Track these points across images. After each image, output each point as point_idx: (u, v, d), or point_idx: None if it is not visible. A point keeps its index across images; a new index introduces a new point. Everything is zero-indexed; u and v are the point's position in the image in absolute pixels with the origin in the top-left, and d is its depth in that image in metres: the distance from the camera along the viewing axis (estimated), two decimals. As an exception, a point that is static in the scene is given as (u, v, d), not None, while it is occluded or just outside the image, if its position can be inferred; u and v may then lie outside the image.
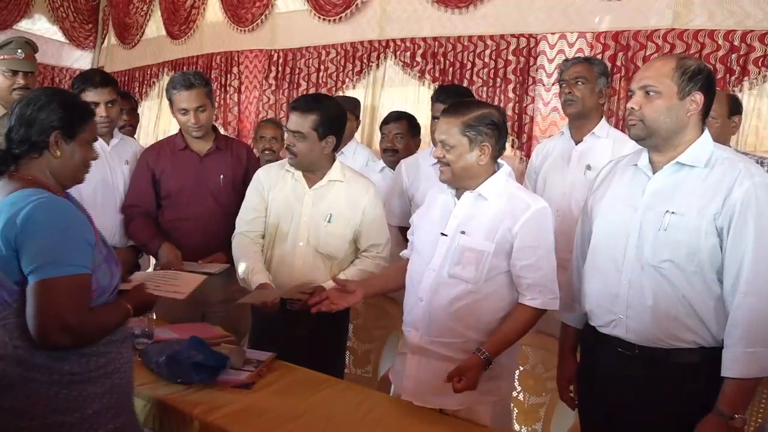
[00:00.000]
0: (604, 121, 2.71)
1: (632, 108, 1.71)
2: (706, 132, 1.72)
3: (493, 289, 1.90)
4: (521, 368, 2.53)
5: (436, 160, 2.68)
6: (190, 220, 2.67)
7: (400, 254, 2.21)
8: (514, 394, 2.50)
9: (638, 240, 1.71)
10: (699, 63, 1.72)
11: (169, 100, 2.69)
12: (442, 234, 1.94)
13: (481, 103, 2.01)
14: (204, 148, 2.74)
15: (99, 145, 2.81)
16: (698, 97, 1.67)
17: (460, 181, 1.94)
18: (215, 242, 2.61)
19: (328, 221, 2.33)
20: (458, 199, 1.96)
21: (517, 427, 2.44)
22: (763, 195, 1.60)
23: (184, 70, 5.16)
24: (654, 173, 1.74)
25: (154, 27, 5.69)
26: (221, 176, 2.71)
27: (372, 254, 2.39)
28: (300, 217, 2.35)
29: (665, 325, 1.68)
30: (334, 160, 2.39)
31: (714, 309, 1.65)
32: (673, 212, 1.66)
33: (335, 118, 2.33)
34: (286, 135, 2.36)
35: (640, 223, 1.72)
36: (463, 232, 1.91)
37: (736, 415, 1.59)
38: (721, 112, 2.47)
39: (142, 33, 5.77)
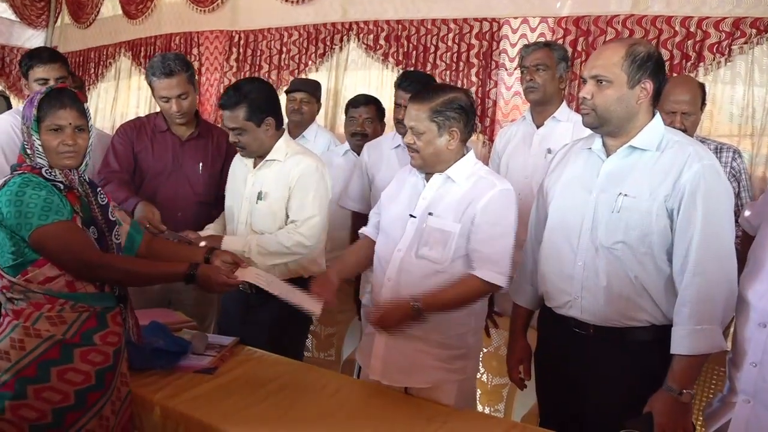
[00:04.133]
0: (564, 105, 2.75)
1: (584, 97, 1.73)
2: (657, 116, 1.76)
3: (459, 269, 1.91)
4: (485, 349, 2.57)
5: (398, 144, 2.70)
6: (165, 204, 2.58)
7: (360, 231, 2.21)
8: (477, 375, 2.53)
9: (592, 222, 1.75)
10: (648, 48, 1.73)
11: (150, 85, 2.61)
12: (411, 216, 1.95)
13: (448, 87, 2.00)
14: (186, 133, 2.68)
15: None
16: (648, 85, 1.70)
17: (430, 166, 1.95)
18: (187, 228, 2.55)
19: (260, 200, 2.34)
20: (427, 181, 1.97)
21: (480, 407, 2.48)
22: (711, 177, 1.65)
23: (143, 52, 5.07)
24: (608, 156, 1.77)
25: (110, 6, 5.51)
26: (200, 164, 2.66)
27: (288, 228, 2.32)
28: (242, 198, 2.38)
29: (618, 305, 1.73)
30: (277, 140, 2.36)
31: (664, 288, 1.71)
32: (625, 194, 1.70)
33: (265, 100, 2.30)
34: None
35: (594, 205, 1.75)
36: (431, 214, 1.92)
37: (684, 390, 1.65)
38: (697, 107, 2.50)
39: (98, 12, 5.58)
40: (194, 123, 2.70)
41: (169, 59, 2.54)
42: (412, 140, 1.91)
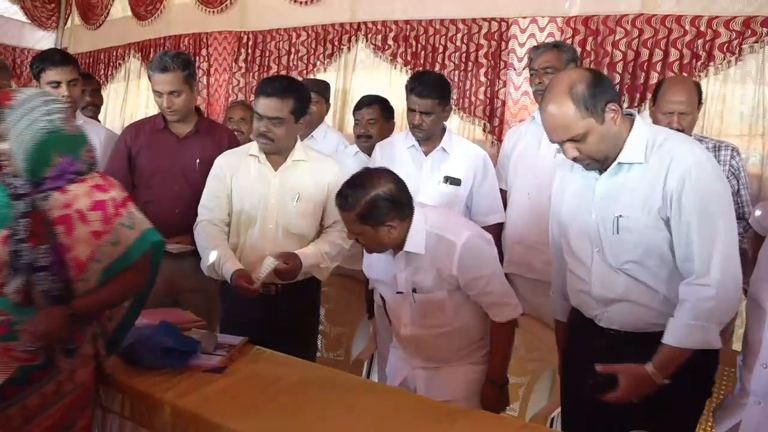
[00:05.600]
0: (574, 105, 2.73)
1: (575, 157, 1.68)
2: (636, 120, 1.71)
3: (465, 316, 2.03)
4: None
5: (411, 144, 2.69)
6: (162, 202, 2.61)
7: (370, 287, 2.33)
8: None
9: (600, 244, 1.74)
10: (582, 76, 1.64)
11: (149, 79, 2.64)
12: (398, 292, 2.04)
13: (366, 184, 1.88)
14: (184, 130, 2.69)
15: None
16: (612, 105, 1.64)
17: (386, 250, 1.98)
18: (186, 226, 2.56)
19: (297, 201, 2.34)
20: (394, 256, 2.00)
21: None
22: (696, 175, 1.61)
23: (152, 53, 5.08)
24: (600, 173, 1.75)
25: (120, 7, 5.53)
26: (197, 160, 2.65)
27: (337, 228, 2.37)
28: (268, 200, 2.35)
29: (643, 315, 1.73)
30: (296, 141, 2.41)
31: None
32: (620, 215, 1.68)
33: (307, 101, 2.38)
34: (256, 120, 2.32)
35: (596, 227, 1.74)
36: (415, 290, 1.99)
37: (662, 377, 1.65)
38: (694, 106, 2.50)
39: (107, 13, 5.61)
40: (193, 121, 2.71)
41: (167, 56, 2.57)
42: (354, 238, 1.95)
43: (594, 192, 1.75)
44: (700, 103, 2.55)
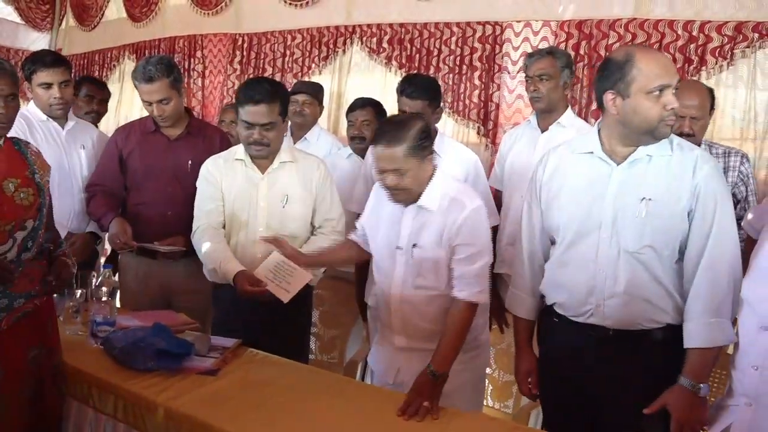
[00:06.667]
0: (569, 110, 2.77)
1: (674, 109, 1.70)
2: None
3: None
4: (497, 347, 2.59)
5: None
6: (155, 204, 2.62)
7: (349, 236, 2.26)
8: (489, 371, 2.57)
9: (612, 228, 1.74)
10: None
11: (136, 88, 2.63)
12: (398, 248, 2.00)
13: (408, 118, 1.97)
14: (175, 133, 2.69)
15: (53, 128, 2.76)
16: None
17: (413, 199, 1.96)
18: (178, 227, 2.57)
19: (286, 203, 2.35)
20: (404, 209, 1.99)
21: (490, 403, 2.50)
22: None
23: (147, 55, 5.08)
24: (614, 161, 1.77)
25: (114, 8, 5.52)
26: (189, 162, 2.65)
27: (327, 230, 2.41)
28: (257, 203, 2.36)
29: (641, 309, 1.74)
30: (282, 142, 2.42)
31: (682, 287, 1.74)
32: (649, 199, 1.70)
33: (288, 100, 2.42)
34: (244, 128, 2.30)
35: (612, 211, 1.74)
36: (415, 245, 1.97)
37: (702, 384, 1.67)
38: (706, 111, 2.48)
39: (102, 15, 5.60)
40: (184, 122, 2.71)
41: (150, 64, 2.53)
42: (397, 182, 1.91)
43: (610, 180, 1.76)
44: (712, 108, 2.54)
